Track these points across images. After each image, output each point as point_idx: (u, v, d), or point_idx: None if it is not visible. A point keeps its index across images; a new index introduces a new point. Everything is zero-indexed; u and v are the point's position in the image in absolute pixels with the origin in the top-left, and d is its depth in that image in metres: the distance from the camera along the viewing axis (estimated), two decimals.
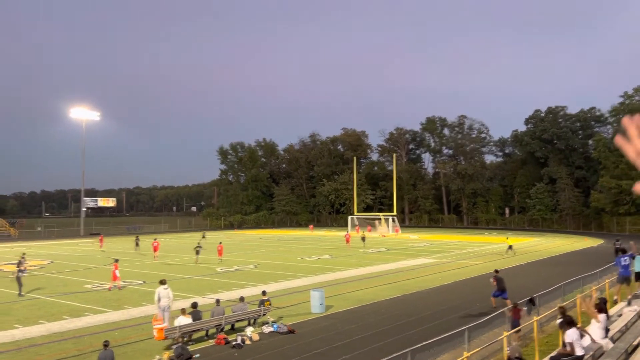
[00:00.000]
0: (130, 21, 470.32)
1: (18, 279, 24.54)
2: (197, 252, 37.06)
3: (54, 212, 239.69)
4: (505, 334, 12.14)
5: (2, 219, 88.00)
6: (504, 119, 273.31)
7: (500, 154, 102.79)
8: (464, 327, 12.34)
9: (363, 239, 50.75)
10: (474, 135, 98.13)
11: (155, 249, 39.79)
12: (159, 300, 16.13)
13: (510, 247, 40.54)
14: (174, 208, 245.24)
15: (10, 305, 21.50)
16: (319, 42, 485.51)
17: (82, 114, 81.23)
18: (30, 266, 35.65)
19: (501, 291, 19.60)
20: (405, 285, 25.20)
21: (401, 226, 74.10)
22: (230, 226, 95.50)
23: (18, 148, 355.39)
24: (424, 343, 11.36)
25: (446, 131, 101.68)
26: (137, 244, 46.84)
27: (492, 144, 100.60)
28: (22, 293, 23.93)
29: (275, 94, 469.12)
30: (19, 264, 28.07)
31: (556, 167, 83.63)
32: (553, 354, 10.65)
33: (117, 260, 26.84)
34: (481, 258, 37.62)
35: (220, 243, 39.92)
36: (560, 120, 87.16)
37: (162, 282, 16.43)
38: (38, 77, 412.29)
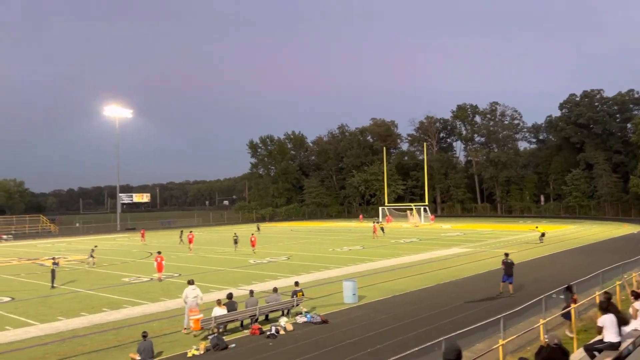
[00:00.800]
0: (161, 19, 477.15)
1: (52, 272, 25.60)
2: (235, 242, 40.49)
3: (91, 208, 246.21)
4: (542, 321, 11.93)
5: (43, 216, 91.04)
6: (537, 104, 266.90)
7: (534, 140, 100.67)
8: (499, 316, 12.18)
9: (382, 229, 51.05)
10: (506, 122, 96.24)
11: (190, 241, 41.02)
12: (186, 299, 16.25)
13: (542, 235, 39.76)
14: (207, 202, 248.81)
15: (53, 298, 22.28)
16: (344, 34, 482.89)
17: (116, 111, 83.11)
18: (70, 261, 36.85)
19: (508, 275, 19.66)
20: (438, 275, 25.01)
21: (426, 217, 73.41)
22: (262, 219, 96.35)
23: (56, 147, 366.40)
24: (458, 332, 11.27)
25: (478, 118, 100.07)
26: (181, 238, 48.48)
27: (525, 130, 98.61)
28: (55, 285, 25.03)
29: (304, 86, 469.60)
30: (91, 252, 33.45)
31: (593, 152, 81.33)
32: (591, 341, 10.43)
33: (160, 253, 27.68)
34: (516, 247, 36.98)
35: (253, 234, 40.82)
36: (596, 104, 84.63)
37: (190, 283, 16.58)
38: (73, 76, 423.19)
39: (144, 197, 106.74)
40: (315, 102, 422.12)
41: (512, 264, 19.97)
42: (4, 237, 66.87)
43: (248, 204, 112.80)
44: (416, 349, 12.42)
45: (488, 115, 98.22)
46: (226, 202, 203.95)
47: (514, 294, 19.34)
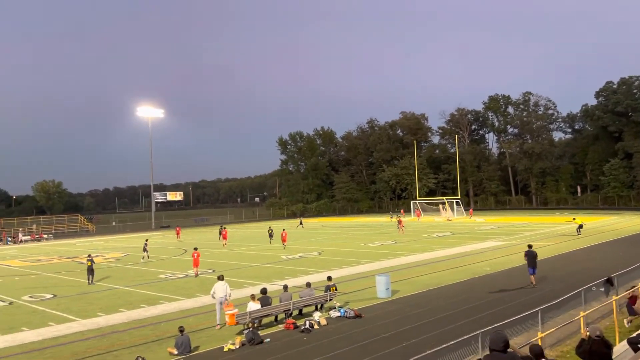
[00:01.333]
0: (192, 18, 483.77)
1: (89, 269, 26.41)
2: (270, 236, 42.55)
3: (127, 207, 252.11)
4: (582, 314, 11.62)
5: (80, 216, 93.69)
6: (572, 93, 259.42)
7: (570, 130, 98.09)
8: (537, 309, 11.92)
9: (399, 222, 51.10)
10: (540, 112, 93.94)
11: (224, 237, 41.94)
12: (214, 294, 16.49)
13: (580, 226, 38.72)
14: (238, 199, 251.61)
15: (93, 294, 22.90)
16: (371, 30, 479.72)
17: (148, 112, 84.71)
18: (108, 259, 37.80)
19: (532, 267, 19.62)
20: (473, 269, 24.65)
21: (466, 210, 72.36)
22: (293, 215, 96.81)
23: (92, 148, 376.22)
24: (495, 325, 11.07)
25: (510, 109, 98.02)
26: (221, 234, 49.17)
27: (560, 120, 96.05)
28: (92, 282, 26.00)
29: (333, 83, 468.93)
30: (144, 246, 35.58)
31: (632, 140, 78.72)
32: (635, 334, 10.10)
33: (196, 249, 28.19)
34: (552, 239, 36.14)
35: (284, 230, 41.23)
36: (635, 91, 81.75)
37: (220, 278, 16.80)
38: (109, 78, 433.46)
39: (178, 196, 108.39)
40: (343, 98, 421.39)
41: (535, 255, 19.87)
42: (45, 236, 69.09)
43: (279, 200, 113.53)
44: (452, 342, 12.30)
45: (521, 106, 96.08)
46: (257, 199, 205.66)
47: (536, 286, 19.34)
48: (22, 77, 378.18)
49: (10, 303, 21.71)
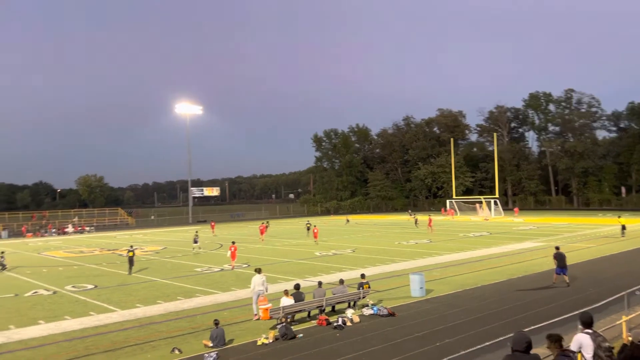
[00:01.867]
0: (228, 17, 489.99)
1: (130, 260, 27.65)
2: (308, 229, 43.28)
3: (165, 201, 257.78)
4: (624, 318, 11.22)
5: (121, 209, 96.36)
6: (617, 91, 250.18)
7: (614, 128, 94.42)
8: (576, 312, 11.59)
9: (416, 221, 51.92)
10: (583, 110, 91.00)
11: (262, 232, 42.75)
12: (254, 287, 16.78)
13: (623, 227, 37.32)
14: (273, 195, 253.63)
15: (132, 286, 23.53)
16: (409, 25, 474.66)
17: (186, 108, 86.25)
18: (146, 252, 38.74)
19: (561, 268, 19.82)
20: (510, 270, 24.15)
21: (504, 209, 70.91)
22: (327, 212, 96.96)
23: (132, 144, 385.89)
24: (532, 327, 10.83)
25: (552, 107, 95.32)
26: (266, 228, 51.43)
27: (604, 118, 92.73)
28: (132, 272, 27.04)
29: (368, 79, 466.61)
30: (195, 237, 36.88)
31: None
32: None
33: (234, 242, 29.13)
34: (594, 241, 35.03)
35: (315, 226, 41.66)
36: None
37: (258, 271, 17.14)
38: (148, 75, 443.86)
39: (214, 191, 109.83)
40: (380, 95, 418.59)
41: (564, 256, 20.10)
42: (87, 229, 71.36)
43: (313, 197, 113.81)
44: (487, 343, 12.11)
45: (563, 103, 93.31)
46: (292, 195, 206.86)
47: (569, 284, 19.32)
48: (68, 76, 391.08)
49: (55, 292, 22.53)
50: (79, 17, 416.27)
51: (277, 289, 19.48)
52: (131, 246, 30.90)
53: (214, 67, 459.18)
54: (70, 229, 68.63)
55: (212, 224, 59.46)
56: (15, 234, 66.09)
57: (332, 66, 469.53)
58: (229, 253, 27.99)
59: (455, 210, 71.04)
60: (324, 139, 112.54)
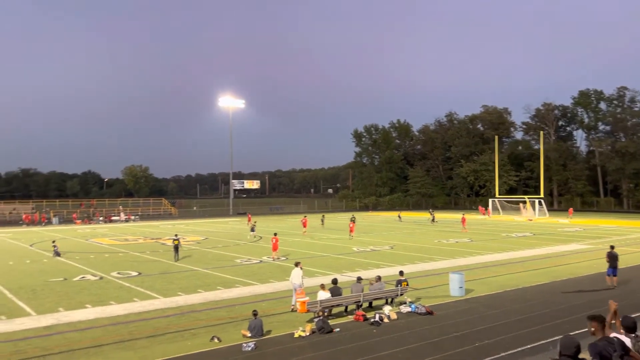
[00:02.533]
0: (272, 10, 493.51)
1: (176, 247, 29.22)
2: (353, 221, 43.28)
3: (207, 193, 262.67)
4: None
5: (164, 200, 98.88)
6: None
7: None
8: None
9: (433, 219, 53.06)
10: (636, 109, 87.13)
11: (304, 225, 43.41)
12: (292, 280, 17.30)
13: None
14: (312, 190, 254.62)
15: (174, 274, 24.15)
16: (454, 20, 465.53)
17: (229, 102, 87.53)
18: (188, 242, 39.63)
19: (612, 268, 19.43)
20: (554, 272, 23.46)
21: (549, 210, 68.86)
22: (365, 208, 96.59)
23: (177, 136, 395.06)
24: (576, 332, 10.50)
25: (603, 105, 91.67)
26: (322, 222, 54.13)
27: None
28: (178, 259, 28.69)
29: (411, 74, 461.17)
30: (253, 226, 39.21)
31: None
32: None
33: (276, 234, 30.17)
34: None
35: (352, 221, 42.08)
36: None
37: (297, 265, 17.57)
38: (193, 69, 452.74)
39: (254, 184, 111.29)
40: (422, 91, 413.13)
41: (616, 256, 19.60)
42: (132, 217, 73.61)
43: (351, 192, 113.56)
44: (528, 346, 11.84)
45: (615, 102, 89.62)
46: (330, 190, 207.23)
47: (616, 287, 18.92)
48: (117, 68, 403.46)
49: (101, 278, 23.38)
50: (126, 9, 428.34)
51: (314, 283, 19.58)
52: (176, 235, 31.90)
53: (257, 61, 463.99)
54: (122, 217, 71.11)
55: (249, 215, 60.79)
56: (65, 220, 68.82)
57: (377, 61, 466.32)
58: (271, 244, 29.12)
59: (489, 210, 69.13)
60: (364, 134, 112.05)
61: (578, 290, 18.83)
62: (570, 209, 68.20)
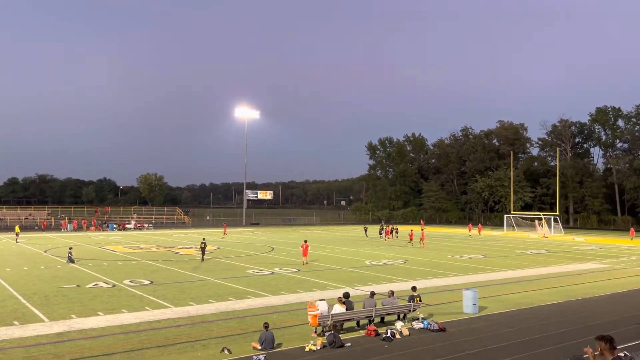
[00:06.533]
0: (288, 24, 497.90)
1: (203, 249, 33.56)
2: (365, 230, 47.88)
3: (220, 203, 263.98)
4: None
5: (178, 208, 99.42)
6: None
7: None
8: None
9: (396, 231, 55.17)
10: None
11: (304, 253, 41.17)
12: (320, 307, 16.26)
13: None
14: (325, 202, 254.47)
15: (186, 284, 24.18)
16: (471, 33, 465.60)
17: (245, 112, 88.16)
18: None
19: None
20: (570, 291, 23.06)
21: (565, 227, 67.87)
22: (378, 221, 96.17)
23: (192, 145, 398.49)
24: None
25: (621, 122, 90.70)
26: (365, 231, 59.26)
27: None
28: (204, 259, 32.92)
29: (426, 88, 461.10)
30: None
31: None
32: None
33: (306, 241, 33.70)
34: None
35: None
36: None
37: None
38: (209, 80, 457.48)
39: (268, 195, 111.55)
40: (437, 105, 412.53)
41: None
42: (146, 225, 74.07)
43: (365, 205, 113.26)
44: None
45: (633, 119, 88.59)
46: (343, 202, 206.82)
47: None
48: (134, 77, 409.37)
49: (113, 286, 23.49)
50: (145, 17, 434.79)
51: (326, 296, 19.44)
52: (203, 239, 36.43)
53: (274, 71, 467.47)
54: (133, 224, 71.66)
55: (224, 226, 63.07)
56: (80, 227, 69.47)
57: (391, 73, 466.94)
58: (301, 249, 32.35)
59: (479, 227, 66.91)
60: (379, 147, 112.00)
61: (600, 316, 18.39)
62: (632, 230, 59.99)
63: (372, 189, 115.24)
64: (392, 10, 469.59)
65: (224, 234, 57.76)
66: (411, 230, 51.08)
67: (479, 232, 63.60)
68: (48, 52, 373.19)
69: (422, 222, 78.49)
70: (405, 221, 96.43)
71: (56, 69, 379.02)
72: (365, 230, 60.05)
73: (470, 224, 68.01)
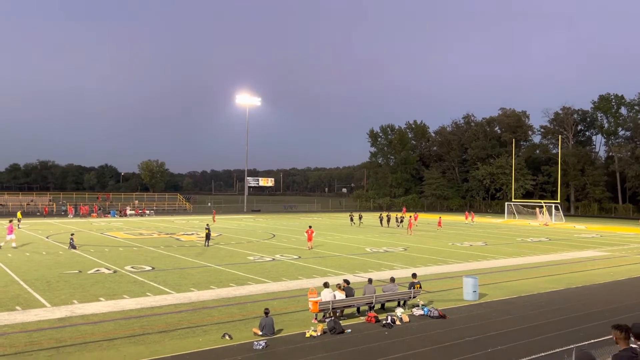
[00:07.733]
0: (289, 12, 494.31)
1: (207, 235, 34.19)
2: (360, 218, 47.04)
3: (221, 189, 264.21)
4: None
5: (179, 195, 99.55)
6: None
7: None
8: None
9: (387, 220, 54.54)
10: None
11: (309, 238, 41.75)
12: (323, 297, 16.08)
13: None
14: (326, 189, 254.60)
15: (187, 270, 24.28)
16: (472, 21, 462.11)
17: (246, 99, 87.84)
18: (202, 237, 39.79)
19: None
20: (569, 279, 23.13)
21: (565, 215, 67.89)
22: (379, 208, 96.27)
23: (193, 132, 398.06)
24: (592, 341, 10.32)
25: (623, 110, 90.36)
26: (360, 219, 57.51)
27: None
28: (208, 245, 33.76)
29: (428, 75, 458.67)
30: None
31: None
32: None
33: (310, 227, 34.43)
34: None
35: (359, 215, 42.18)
36: None
37: (326, 285, 16.30)
38: (210, 67, 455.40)
39: (269, 182, 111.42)
40: (439, 92, 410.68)
41: None
42: (147, 212, 74.22)
43: (366, 192, 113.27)
44: (542, 354, 11.67)
45: (636, 107, 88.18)
46: (344, 190, 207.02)
47: None
48: (136, 64, 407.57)
49: (115, 272, 23.59)
50: (146, 5, 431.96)
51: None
52: (207, 224, 37.37)
53: (276, 59, 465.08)
54: (131, 211, 71.76)
55: (214, 212, 63.70)
56: (82, 214, 69.60)
57: (393, 61, 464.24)
58: (306, 235, 33.30)
59: (472, 214, 66.78)
60: (380, 134, 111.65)
61: (600, 303, 18.46)
62: (468, 213, 65.01)
63: (373, 176, 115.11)
64: (395, 4, 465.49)
65: (213, 221, 57.61)
66: (409, 216, 51.69)
67: (472, 219, 63.39)
68: (49, 39, 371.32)
69: (404, 209, 78.31)
70: (407, 209, 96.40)
71: (57, 56, 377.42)
72: (351, 219, 57.25)
73: (466, 212, 68.11)
